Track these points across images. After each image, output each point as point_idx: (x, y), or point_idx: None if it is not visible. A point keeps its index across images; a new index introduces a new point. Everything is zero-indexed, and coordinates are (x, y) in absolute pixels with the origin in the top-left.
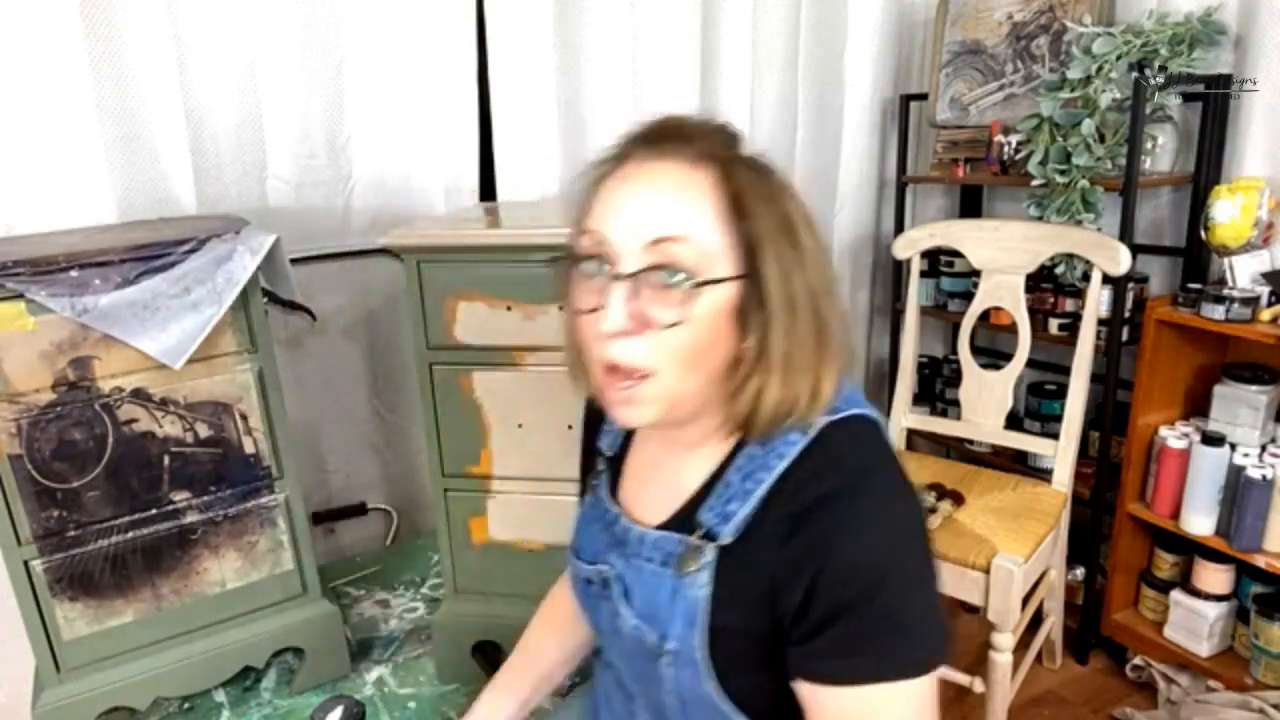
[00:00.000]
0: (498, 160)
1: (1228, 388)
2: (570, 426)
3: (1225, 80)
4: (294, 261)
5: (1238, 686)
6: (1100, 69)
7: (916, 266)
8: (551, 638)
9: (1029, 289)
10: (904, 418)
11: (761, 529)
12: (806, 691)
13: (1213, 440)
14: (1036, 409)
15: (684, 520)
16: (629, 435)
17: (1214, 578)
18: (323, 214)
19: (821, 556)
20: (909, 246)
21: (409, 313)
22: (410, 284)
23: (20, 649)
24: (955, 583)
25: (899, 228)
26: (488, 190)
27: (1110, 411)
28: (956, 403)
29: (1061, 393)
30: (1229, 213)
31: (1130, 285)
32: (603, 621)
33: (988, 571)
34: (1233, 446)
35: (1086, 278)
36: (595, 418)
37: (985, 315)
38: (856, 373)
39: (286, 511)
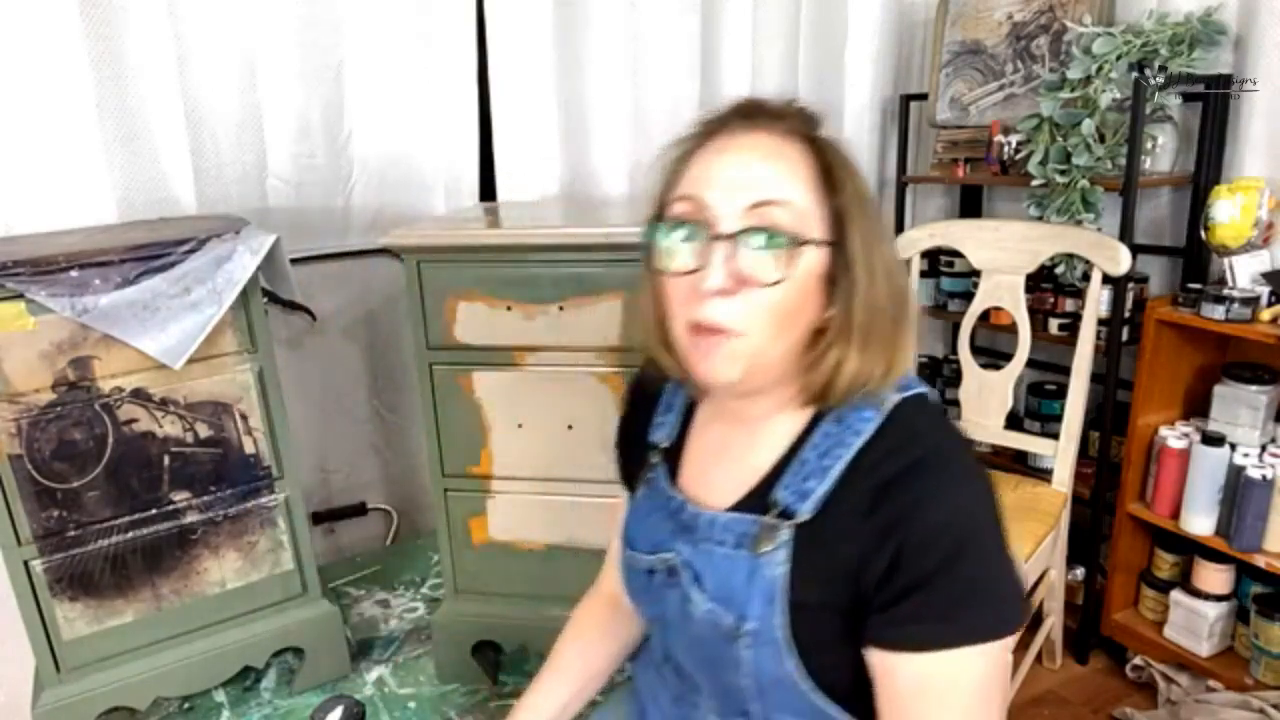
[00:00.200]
0: (498, 160)
1: (1228, 388)
2: (570, 426)
3: (1225, 80)
4: (294, 261)
5: (1238, 686)
6: (1100, 69)
7: (916, 266)
8: (584, 650)
9: (1029, 289)
10: None
11: (840, 504)
12: (881, 660)
13: (1213, 440)
14: (1036, 409)
15: (757, 500)
16: (686, 424)
17: (1214, 578)
18: (323, 214)
19: (906, 527)
20: (909, 246)
21: (409, 313)
22: (410, 284)
23: (20, 649)
24: None
25: (899, 228)
26: (488, 190)
27: (1110, 411)
28: (957, 403)
29: (1061, 393)
30: (1229, 213)
31: (1130, 285)
32: (669, 610)
33: None
34: (1233, 446)
35: (1086, 278)
36: (644, 410)
37: (985, 315)
38: None
39: (286, 511)
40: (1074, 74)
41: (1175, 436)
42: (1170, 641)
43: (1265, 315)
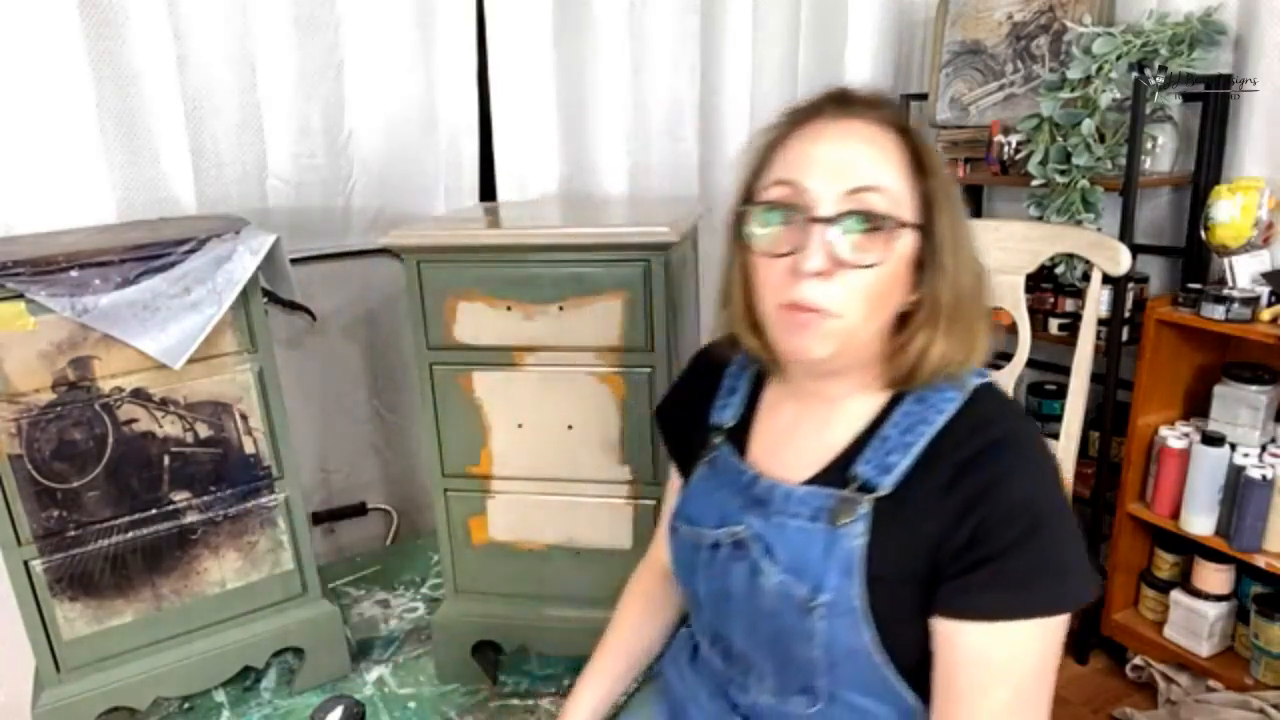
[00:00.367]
0: (498, 160)
1: (1228, 388)
2: (570, 426)
3: (1225, 80)
4: (294, 261)
5: (1238, 686)
6: (1100, 69)
7: None
8: (646, 619)
9: (1029, 289)
10: None
11: (921, 480)
12: (945, 628)
13: (1213, 440)
14: (1036, 409)
15: (834, 475)
16: (752, 403)
17: (1214, 578)
18: (322, 214)
19: (986, 503)
20: None
21: (409, 313)
22: (410, 284)
23: (20, 649)
24: None
25: None
26: (488, 190)
27: (1110, 411)
28: None
29: (1061, 393)
30: (1229, 213)
31: (1130, 285)
32: (733, 585)
33: None
34: (1233, 446)
35: (1086, 278)
36: (704, 393)
37: None
38: None
39: (286, 511)
40: (1074, 74)
41: (1175, 436)
42: (1170, 641)
43: (1265, 315)
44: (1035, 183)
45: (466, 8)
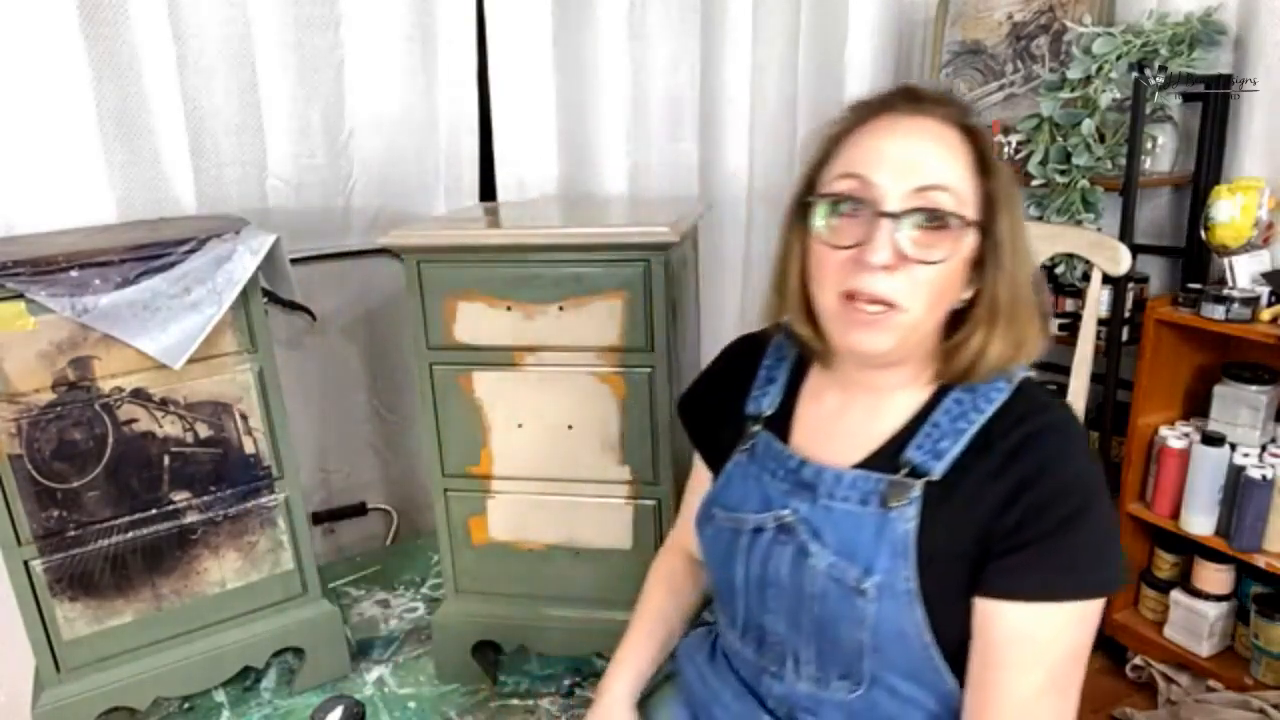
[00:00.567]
0: (498, 160)
1: (1228, 388)
2: (570, 426)
3: (1225, 80)
4: (294, 261)
5: (1238, 686)
6: (1100, 69)
7: None
8: (669, 602)
9: None
10: None
11: (971, 466)
12: (986, 608)
13: (1213, 440)
14: None
15: (884, 461)
16: (792, 391)
17: (1214, 578)
18: (322, 214)
19: (1037, 484)
20: None
21: (409, 313)
22: (410, 284)
23: (20, 649)
24: None
25: None
26: (488, 190)
27: (1110, 411)
28: None
29: (1061, 393)
30: (1229, 213)
31: (1130, 285)
32: (777, 569)
33: None
34: (1233, 446)
35: (1086, 278)
36: (739, 384)
37: None
38: None
39: (286, 511)
40: (1074, 74)
41: (1175, 436)
42: (1170, 641)
43: (1265, 315)
44: (1035, 183)
45: (466, 7)
